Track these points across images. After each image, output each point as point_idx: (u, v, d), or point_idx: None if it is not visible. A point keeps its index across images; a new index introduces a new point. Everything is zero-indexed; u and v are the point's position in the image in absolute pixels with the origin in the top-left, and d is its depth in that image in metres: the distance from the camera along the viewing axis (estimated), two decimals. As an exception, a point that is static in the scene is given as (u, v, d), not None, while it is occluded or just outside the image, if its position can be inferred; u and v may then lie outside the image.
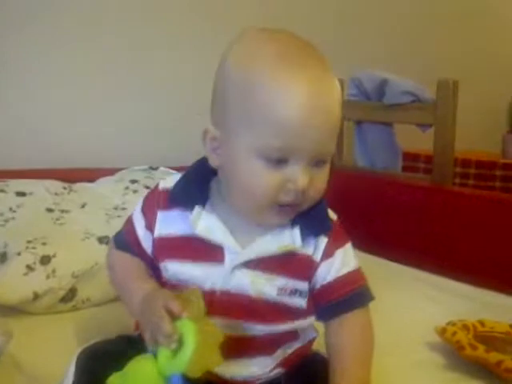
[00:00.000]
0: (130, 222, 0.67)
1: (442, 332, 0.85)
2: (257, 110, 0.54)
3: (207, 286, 0.60)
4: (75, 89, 1.38)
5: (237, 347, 0.60)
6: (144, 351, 0.61)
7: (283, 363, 0.64)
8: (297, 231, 0.61)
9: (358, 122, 1.72)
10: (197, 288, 0.57)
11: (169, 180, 0.65)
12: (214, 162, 0.60)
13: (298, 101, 0.53)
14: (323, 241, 0.62)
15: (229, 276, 0.59)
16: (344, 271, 0.63)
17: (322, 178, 0.58)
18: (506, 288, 1.11)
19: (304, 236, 0.61)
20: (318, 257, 0.62)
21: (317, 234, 0.62)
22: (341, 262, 0.63)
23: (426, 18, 2.16)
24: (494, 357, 0.76)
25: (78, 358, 0.61)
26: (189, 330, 0.50)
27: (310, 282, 0.63)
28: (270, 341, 0.63)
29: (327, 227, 0.63)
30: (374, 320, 0.93)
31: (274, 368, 0.63)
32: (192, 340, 0.50)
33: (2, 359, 0.71)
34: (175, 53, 1.52)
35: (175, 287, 0.60)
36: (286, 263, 0.61)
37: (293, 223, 0.61)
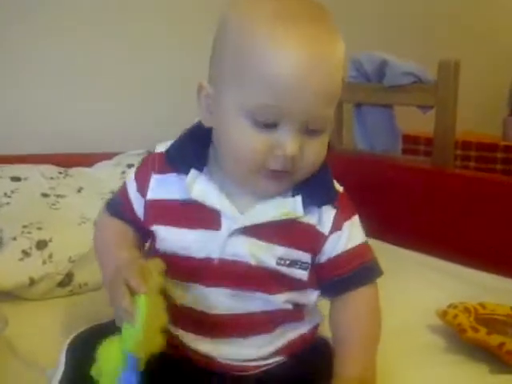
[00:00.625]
0: (123, 187, 0.65)
1: (444, 315, 0.84)
2: (250, 67, 0.52)
3: (203, 253, 0.57)
4: (71, 75, 1.36)
5: (233, 325, 0.59)
6: None
7: (284, 350, 0.62)
8: (299, 199, 0.58)
9: (358, 105, 1.70)
10: (159, 260, 0.54)
11: (166, 144, 0.62)
12: (206, 121, 0.58)
13: (294, 59, 0.50)
14: (331, 212, 0.60)
15: (226, 243, 0.57)
16: (351, 245, 0.61)
17: (315, 148, 0.56)
18: (506, 271, 1.10)
19: (306, 205, 0.58)
20: (326, 229, 0.60)
21: (320, 204, 0.59)
22: (348, 235, 0.61)
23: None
24: (495, 339, 0.76)
25: (68, 348, 0.59)
26: (139, 309, 0.49)
27: (314, 254, 0.60)
28: (268, 317, 0.60)
29: (331, 197, 0.60)
30: None
31: (274, 354, 0.61)
32: (140, 321, 0.48)
33: (-2, 345, 0.70)
34: (173, 41, 1.50)
35: (172, 260, 0.58)
36: (287, 232, 0.58)
37: (294, 192, 0.59)
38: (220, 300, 0.58)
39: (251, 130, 0.53)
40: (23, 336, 0.75)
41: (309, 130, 0.54)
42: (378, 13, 1.99)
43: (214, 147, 0.60)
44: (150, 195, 0.61)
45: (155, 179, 0.61)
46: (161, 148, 0.62)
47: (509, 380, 0.72)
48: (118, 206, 0.65)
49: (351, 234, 0.61)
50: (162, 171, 0.61)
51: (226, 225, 0.57)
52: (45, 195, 1.03)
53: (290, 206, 0.58)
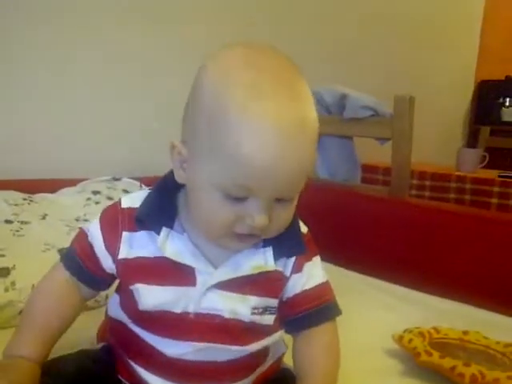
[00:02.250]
0: (84, 241, 0.62)
1: (399, 339, 0.88)
2: (223, 145, 0.51)
3: (179, 308, 0.58)
4: (37, 101, 1.36)
5: (211, 374, 0.60)
6: (107, 366, 0.61)
7: (255, 382, 0.65)
8: (270, 252, 0.60)
9: (319, 135, 1.75)
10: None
11: (133, 198, 0.62)
12: (180, 177, 0.58)
13: (265, 141, 0.49)
14: (293, 257, 0.63)
15: (201, 298, 0.58)
16: (311, 284, 0.64)
17: (284, 214, 0.56)
18: (460, 296, 1.16)
19: (276, 256, 0.60)
20: (287, 272, 0.62)
21: (290, 256, 0.62)
22: (308, 275, 0.63)
23: (383, 36, 2.24)
24: (447, 362, 0.79)
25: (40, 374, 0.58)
26: None
27: (278, 297, 0.63)
28: (244, 364, 0.62)
29: (301, 250, 0.62)
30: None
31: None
32: None
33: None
34: (137, 64, 1.52)
35: (149, 316, 0.59)
36: (258, 282, 0.60)
37: (265, 244, 0.60)
38: (192, 351, 0.59)
39: (222, 202, 0.53)
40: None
41: (279, 200, 0.54)
42: (340, 50, 2.08)
43: (185, 195, 0.60)
44: (123, 254, 0.60)
45: (126, 237, 0.60)
46: (127, 203, 0.61)
47: (460, 400, 0.76)
48: (77, 263, 0.62)
49: (311, 275, 0.64)
50: (132, 229, 0.60)
51: (201, 280, 0.58)
52: (8, 222, 1.02)
53: (262, 259, 0.60)
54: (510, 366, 0.84)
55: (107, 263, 0.61)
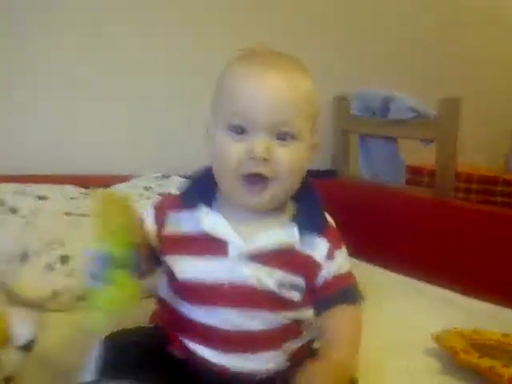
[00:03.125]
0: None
1: (438, 338, 0.89)
2: (225, 91, 0.66)
3: (214, 278, 0.65)
4: (89, 98, 1.43)
5: (241, 342, 0.66)
6: (160, 340, 0.67)
7: (288, 358, 0.69)
8: (295, 229, 0.68)
9: (362, 137, 1.77)
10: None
11: (178, 187, 0.73)
12: (209, 157, 0.69)
13: (255, 78, 0.64)
14: (325, 245, 0.70)
15: (233, 268, 0.65)
16: (341, 271, 0.71)
17: (287, 153, 0.65)
18: (502, 300, 1.15)
19: (302, 233, 0.68)
20: (321, 259, 0.70)
21: (312, 231, 0.69)
22: (340, 262, 0.71)
23: (429, 36, 2.21)
24: (485, 362, 0.81)
25: (102, 344, 0.66)
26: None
27: (309, 280, 0.69)
28: (276, 335, 0.68)
29: (322, 226, 0.70)
30: (375, 326, 1.00)
31: (281, 363, 0.68)
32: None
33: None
34: (186, 62, 1.58)
35: (189, 286, 0.66)
36: (286, 259, 0.67)
37: (291, 224, 0.68)
38: (228, 318, 0.65)
39: (229, 141, 0.64)
40: (50, 344, 0.80)
41: (279, 137, 0.65)
42: (384, 50, 2.07)
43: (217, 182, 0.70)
44: (167, 231, 0.70)
45: (170, 216, 0.70)
46: (174, 190, 0.74)
47: (497, 400, 0.77)
48: None
49: (342, 262, 0.72)
50: (176, 209, 0.70)
51: (233, 252, 0.66)
52: (68, 214, 1.09)
53: (288, 235, 0.68)
54: (550, 370, 0.84)
55: (153, 238, 0.70)
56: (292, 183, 0.68)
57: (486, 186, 2.00)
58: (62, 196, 1.15)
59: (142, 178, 1.35)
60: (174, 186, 1.30)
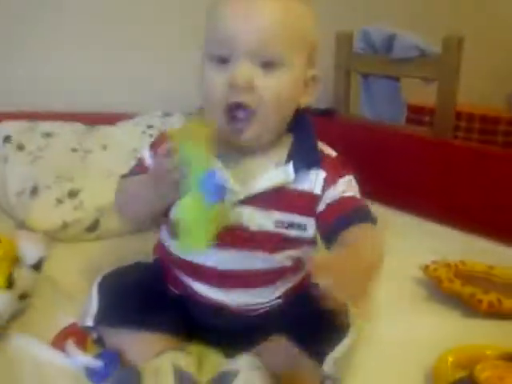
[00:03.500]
0: (138, 160, 0.74)
1: (426, 268, 0.95)
2: (208, 22, 0.65)
3: None
4: (94, 42, 1.43)
5: (245, 279, 0.68)
6: (160, 277, 0.71)
7: (283, 294, 0.71)
8: (290, 166, 0.66)
9: (365, 75, 1.76)
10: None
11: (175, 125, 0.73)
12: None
13: (232, 8, 0.62)
14: (322, 175, 0.67)
15: (231, 212, 0.64)
16: (348, 194, 0.67)
17: (271, 81, 0.62)
18: (496, 235, 1.19)
19: (297, 170, 0.66)
20: (319, 190, 0.67)
21: (308, 166, 0.67)
22: (345, 187, 0.67)
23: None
24: (467, 290, 0.86)
25: (100, 286, 0.68)
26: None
27: (311, 216, 0.67)
28: (271, 273, 0.69)
29: (317, 159, 0.68)
30: None
31: (276, 298, 0.70)
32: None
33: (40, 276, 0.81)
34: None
35: None
36: (281, 199, 0.66)
37: (286, 162, 0.67)
38: (228, 258, 0.67)
39: (214, 71, 0.63)
40: (60, 271, 0.86)
41: (263, 64, 0.62)
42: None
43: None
44: None
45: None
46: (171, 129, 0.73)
47: (477, 322, 0.83)
48: (136, 172, 0.72)
49: (348, 188, 0.68)
50: None
51: (230, 197, 0.63)
52: (74, 150, 1.13)
53: (284, 175, 0.66)
54: (531, 298, 0.90)
55: None
56: (280, 115, 0.65)
57: (488, 126, 2.00)
58: (68, 132, 1.18)
59: (146, 116, 1.37)
60: (177, 123, 1.34)
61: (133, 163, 0.75)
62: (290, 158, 0.67)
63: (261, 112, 0.63)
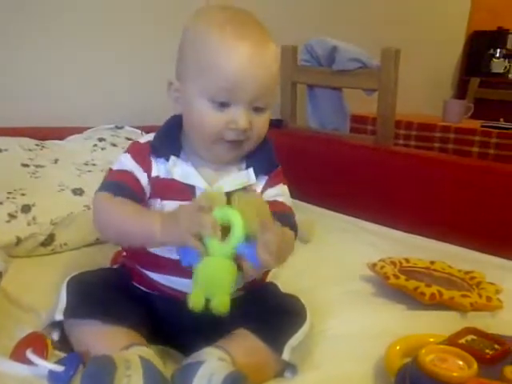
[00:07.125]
0: (120, 172, 0.74)
1: (373, 266, 1.01)
2: (207, 61, 0.69)
3: None
4: (44, 52, 1.43)
5: None
6: (125, 277, 0.74)
7: (244, 287, 0.75)
8: (251, 171, 0.77)
9: (310, 86, 1.84)
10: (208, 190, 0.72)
11: (148, 136, 0.78)
12: (176, 110, 0.75)
13: (239, 57, 0.68)
14: (265, 178, 0.79)
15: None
16: (281, 199, 0.79)
17: (261, 121, 0.73)
18: (435, 233, 1.28)
19: (257, 174, 0.77)
20: (260, 188, 0.78)
21: (266, 172, 0.79)
22: (280, 192, 0.79)
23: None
24: (412, 284, 0.93)
25: (68, 284, 0.72)
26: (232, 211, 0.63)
27: None
28: None
29: (274, 166, 0.80)
30: (321, 257, 1.12)
31: (236, 291, 0.73)
32: (236, 213, 0.62)
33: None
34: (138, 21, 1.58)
35: None
36: None
37: (247, 166, 0.77)
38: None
39: (211, 110, 0.70)
40: (17, 286, 0.85)
41: (255, 108, 0.71)
42: (328, 2, 2.11)
43: (185, 133, 0.76)
44: (155, 173, 0.74)
45: (155, 161, 0.74)
46: (145, 139, 0.77)
47: (421, 314, 0.89)
48: (125, 188, 0.72)
49: (282, 193, 0.79)
50: (154, 155, 0.75)
51: (199, 195, 0.71)
52: (25, 165, 1.12)
53: (246, 178, 0.76)
54: (467, 289, 0.98)
55: (145, 183, 0.74)
56: (259, 141, 0.75)
57: (424, 133, 2.12)
58: (17, 148, 1.17)
59: (95, 129, 1.37)
60: (127, 136, 1.35)
61: (109, 177, 0.75)
62: (249, 163, 0.77)
63: (247, 143, 0.73)
